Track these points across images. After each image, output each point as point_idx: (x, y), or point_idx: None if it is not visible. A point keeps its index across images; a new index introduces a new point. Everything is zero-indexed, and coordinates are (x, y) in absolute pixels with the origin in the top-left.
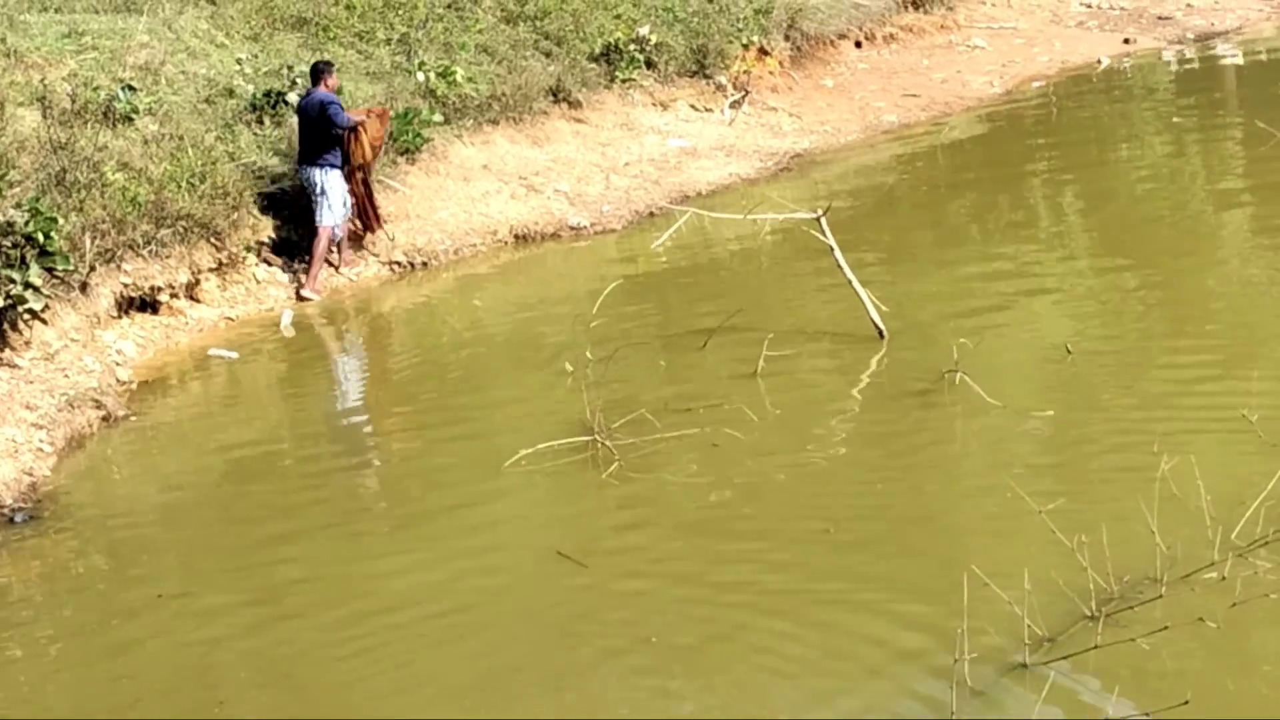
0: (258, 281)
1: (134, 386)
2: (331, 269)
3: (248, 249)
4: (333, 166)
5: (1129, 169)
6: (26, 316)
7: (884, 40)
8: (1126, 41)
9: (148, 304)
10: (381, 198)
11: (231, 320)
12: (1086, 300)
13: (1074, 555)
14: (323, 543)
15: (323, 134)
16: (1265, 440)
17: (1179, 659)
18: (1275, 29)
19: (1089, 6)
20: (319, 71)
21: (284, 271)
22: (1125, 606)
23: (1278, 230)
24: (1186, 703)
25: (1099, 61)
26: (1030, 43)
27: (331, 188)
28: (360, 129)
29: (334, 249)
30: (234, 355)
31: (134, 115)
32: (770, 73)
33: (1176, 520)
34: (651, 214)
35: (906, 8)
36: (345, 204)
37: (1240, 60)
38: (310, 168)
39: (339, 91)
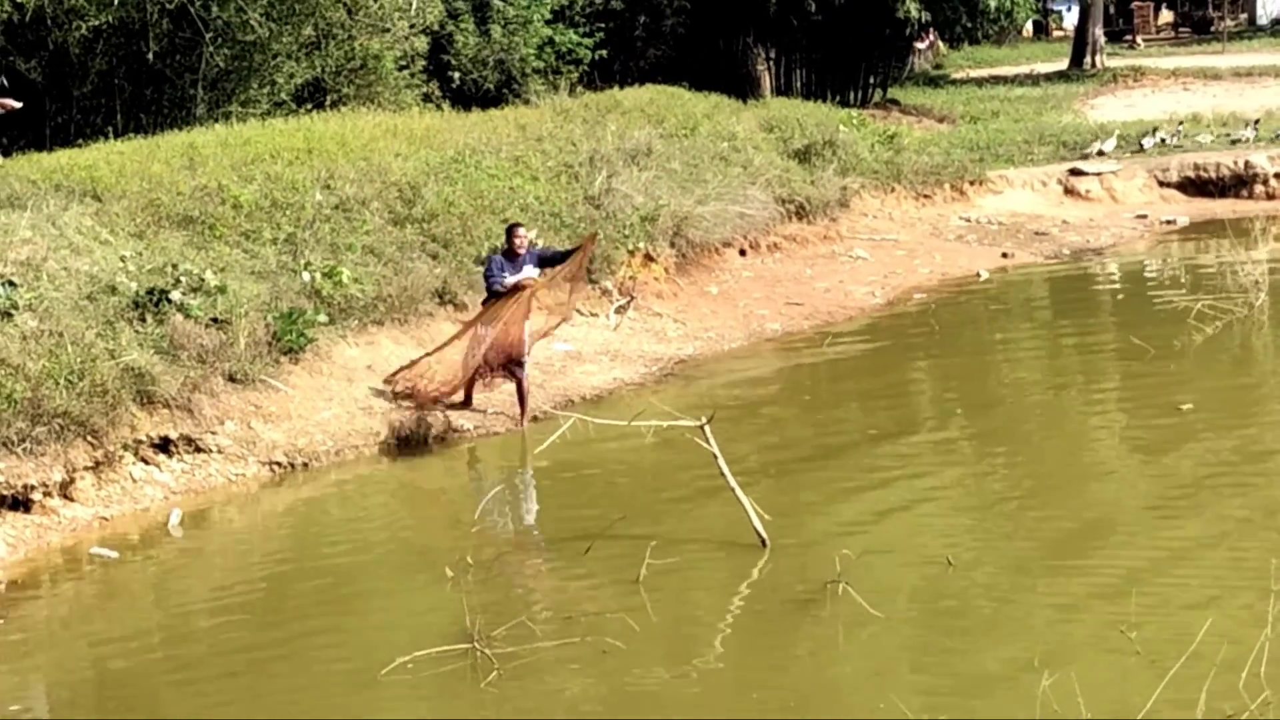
0: (134, 481)
1: (2, 587)
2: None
3: (125, 447)
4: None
5: (1009, 381)
6: None
7: (768, 249)
8: (1005, 256)
9: (19, 502)
10: (265, 397)
11: (106, 520)
12: (968, 511)
13: None
14: None
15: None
16: (1145, 657)
17: None
18: (1148, 247)
19: (968, 221)
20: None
21: (161, 471)
22: None
23: (1158, 446)
24: None
25: (978, 274)
26: (911, 254)
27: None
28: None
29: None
30: (114, 555)
31: (13, 311)
32: (655, 279)
33: None
34: (535, 418)
35: (790, 218)
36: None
37: (1116, 277)
38: None
39: (509, 252)
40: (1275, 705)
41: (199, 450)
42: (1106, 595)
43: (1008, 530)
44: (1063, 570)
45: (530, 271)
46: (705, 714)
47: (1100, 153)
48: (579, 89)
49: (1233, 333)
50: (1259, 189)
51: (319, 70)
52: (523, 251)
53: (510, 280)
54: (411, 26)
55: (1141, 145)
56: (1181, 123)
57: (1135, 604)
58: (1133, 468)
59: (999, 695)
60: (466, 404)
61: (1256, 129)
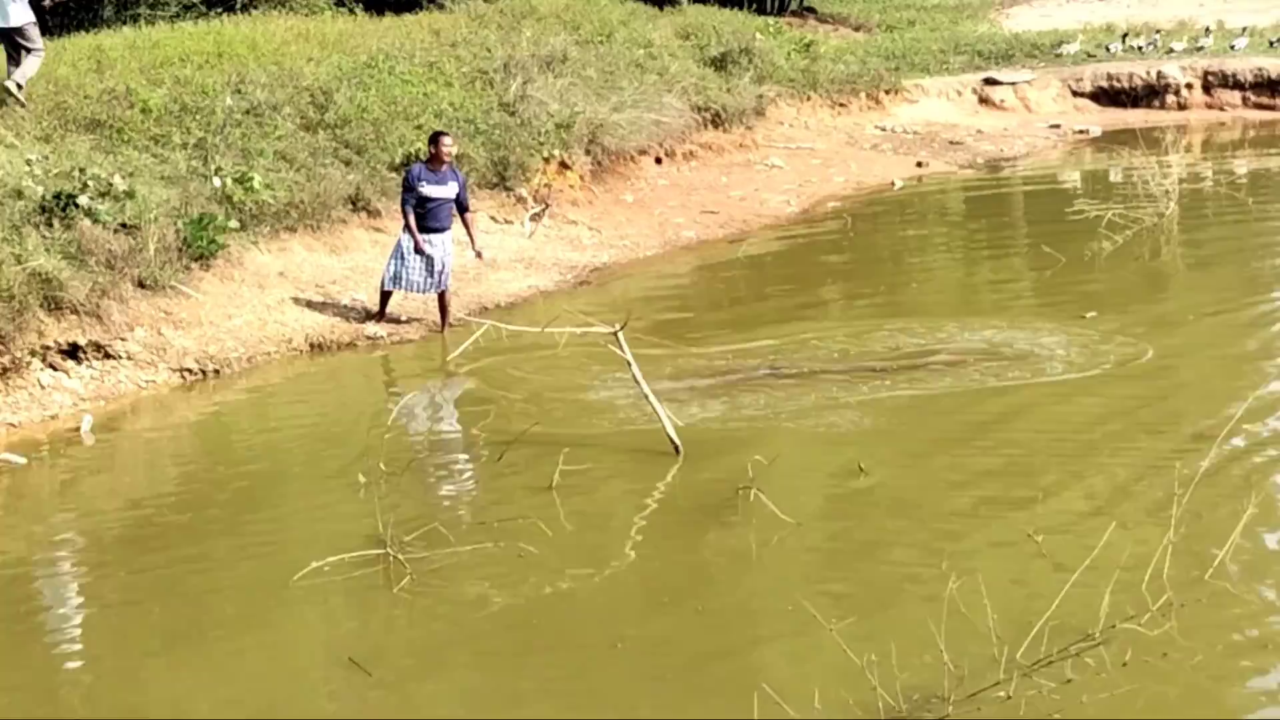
0: (42, 387)
1: None
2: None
3: (33, 354)
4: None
5: (921, 288)
6: None
7: (684, 157)
8: (919, 165)
9: None
10: (176, 304)
11: (14, 426)
12: (880, 418)
13: (864, 673)
14: (101, 659)
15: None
16: (1050, 560)
17: None
18: (1060, 156)
19: (883, 130)
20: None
21: (70, 378)
22: None
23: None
24: None
25: (893, 183)
26: (827, 163)
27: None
28: None
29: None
30: (22, 460)
31: None
32: (571, 186)
33: (964, 639)
34: (450, 325)
35: (706, 126)
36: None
37: (1029, 186)
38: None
39: (433, 159)
40: (1176, 607)
41: (108, 357)
42: (1013, 500)
43: (918, 437)
44: (971, 476)
45: (452, 189)
46: (618, 618)
47: (1066, 54)
48: None
49: (1142, 241)
50: (1170, 99)
51: None
52: (448, 161)
53: (429, 192)
54: None
55: (1108, 49)
56: (1158, 31)
57: (1041, 508)
58: (1040, 375)
59: (907, 598)
60: (380, 317)
61: (1210, 36)
